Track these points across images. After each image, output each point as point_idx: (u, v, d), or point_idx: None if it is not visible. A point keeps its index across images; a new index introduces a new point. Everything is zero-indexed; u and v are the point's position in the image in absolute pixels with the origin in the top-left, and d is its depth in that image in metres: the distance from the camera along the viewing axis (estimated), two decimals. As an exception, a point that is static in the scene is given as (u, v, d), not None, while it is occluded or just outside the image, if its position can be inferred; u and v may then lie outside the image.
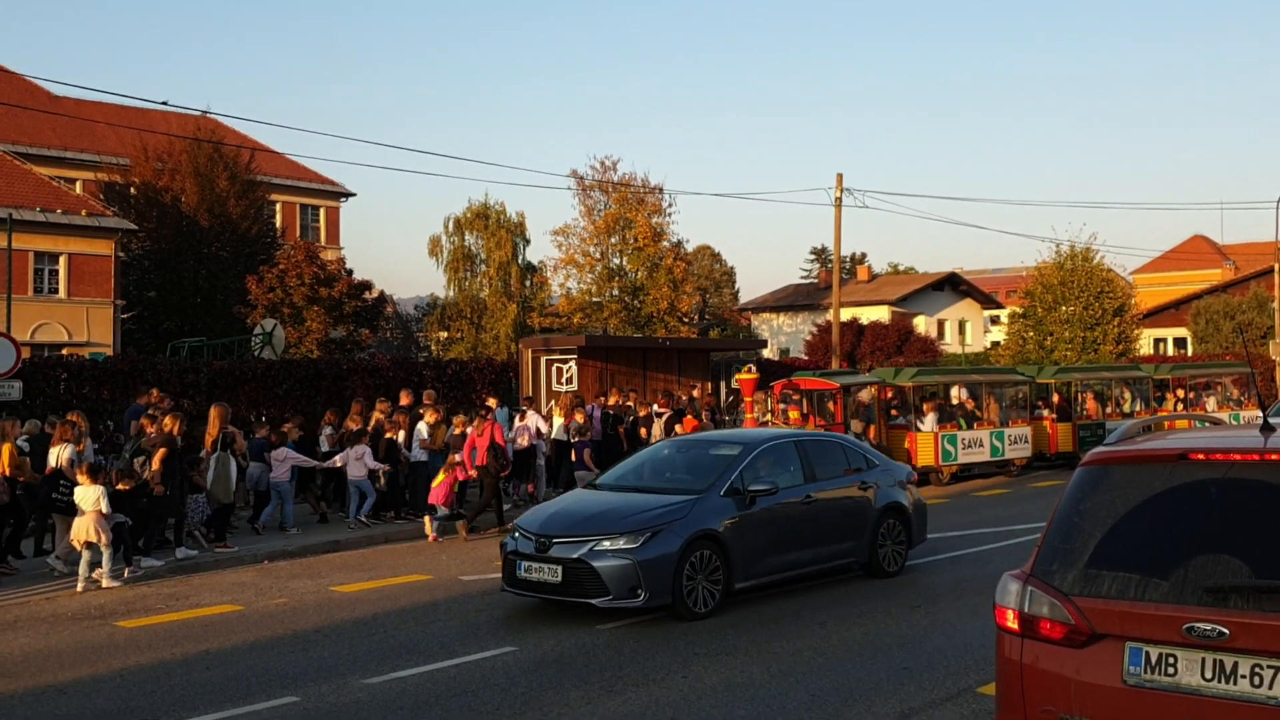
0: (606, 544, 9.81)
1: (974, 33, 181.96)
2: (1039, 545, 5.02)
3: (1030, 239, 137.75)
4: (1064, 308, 41.37)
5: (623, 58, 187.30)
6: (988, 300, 66.68)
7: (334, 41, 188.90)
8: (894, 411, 22.53)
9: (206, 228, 39.33)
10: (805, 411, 20.32)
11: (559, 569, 9.94)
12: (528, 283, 53.25)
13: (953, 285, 64.44)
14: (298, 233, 49.70)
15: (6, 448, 13.24)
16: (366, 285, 34.53)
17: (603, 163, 48.03)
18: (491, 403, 18.80)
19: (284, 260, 33.36)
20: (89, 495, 12.11)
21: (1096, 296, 41.05)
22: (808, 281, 73.32)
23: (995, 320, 66.98)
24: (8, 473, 13.12)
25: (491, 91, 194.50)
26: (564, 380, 22.65)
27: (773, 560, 10.77)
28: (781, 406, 20.64)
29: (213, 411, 14.65)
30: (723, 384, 25.66)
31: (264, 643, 9.61)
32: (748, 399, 19.92)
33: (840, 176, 34.56)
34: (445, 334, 55.13)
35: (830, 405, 20.83)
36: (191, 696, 7.92)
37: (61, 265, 37.00)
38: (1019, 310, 44.41)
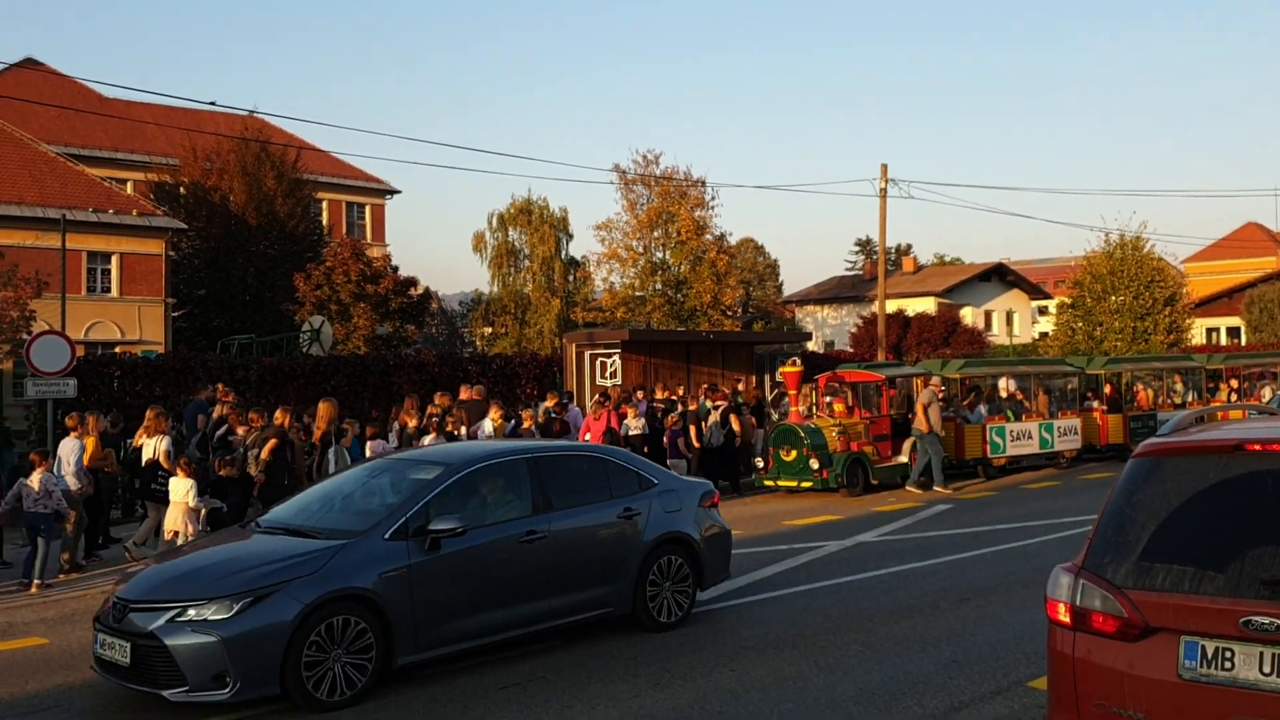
0: (192, 613, 7.32)
1: (1020, 21, 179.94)
2: (1091, 538, 4.96)
3: (1078, 228, 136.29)
4: (1114, 297, 40.81)
5: (666, 51, 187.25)
6: (1035, 291, 65.93)
7: (378, 39, 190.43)
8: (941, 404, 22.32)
9: (254, 226, 39.81)
10: (851, 404, 20.19)
11: (128, 646, 7.47)
12: (571, 277, 53.39)
13: (1000, 276, 63.77)
14: (344, 230, 50.17)
15: (90, 440, 13.67)
16: (412, 282, 34.81)
17: (645, 156, 48.00)
18: (610, 393, 19.57)
19: (331, 258, 33.73)
20: (180, 487, 12.57)
21: (1147, 286, 40.45)
22: (852, 273, 72.77)
23: (1043, 311, 66.17)
24: (92, 465, 13.58)
25: (534, 87, 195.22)
26: (608, 375, 22.69)
27: (468, 622, 8.25)
28: (827, 399, 20.53)
29: (322, 407, 15.17)
30: (767, 377, 25.57)
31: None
32: (792, 392, 19.84)
33: (885, 167, 34.32)
34: (489, 329, 55.42)
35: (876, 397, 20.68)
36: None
37: (114, 265, 37.62)
38: (1067, 300, 43.86)
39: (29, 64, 46.07)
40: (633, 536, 9.31)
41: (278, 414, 14.24)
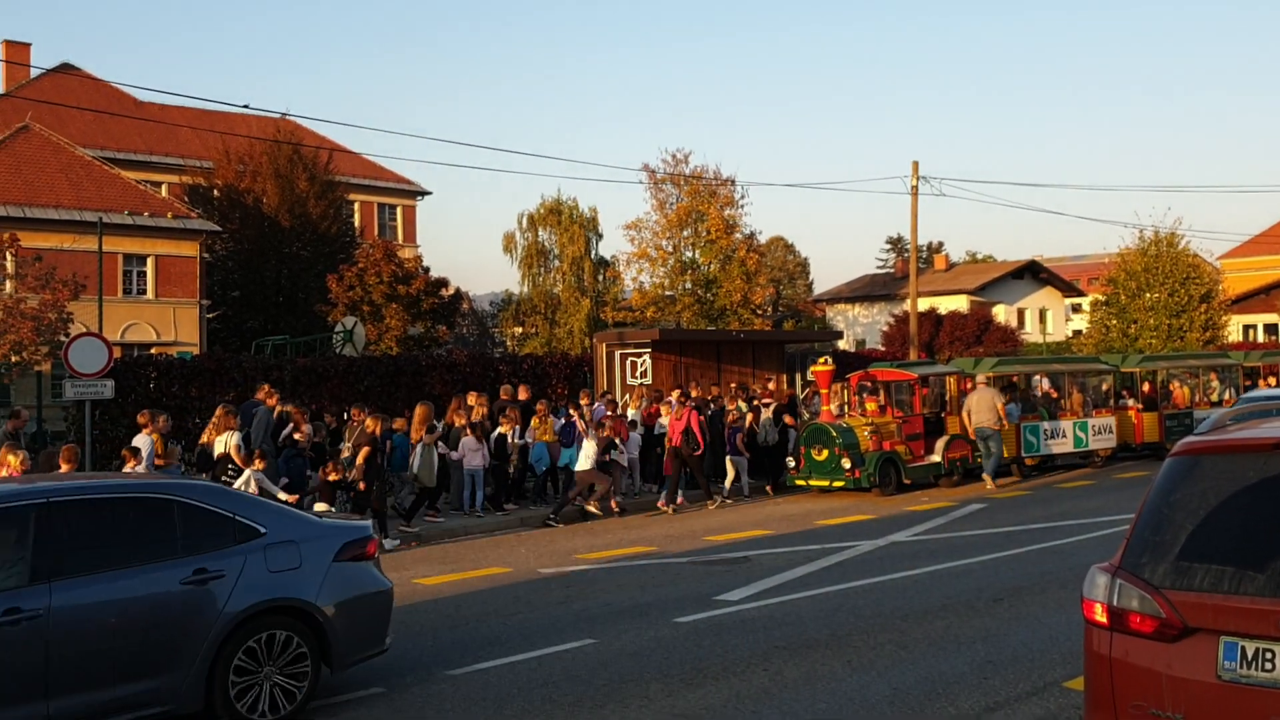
0: None
1: (1051, 15, 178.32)
2: (1128, 537, 4.93)
3: (1112, 224, 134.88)
4: (1148, 294, 40.42)
5: (693, 50, 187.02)
6: (1069, 288, 65.41)
7: (407, 41, 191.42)
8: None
9: (287, 228, 40.14)
10: (883, 403, 20.12)
11: None
12: (601, 277, 53.40)
13: (1032, 273, 63.30)
14: (376, 231, 50.48)
15: (156, 438, 14.15)
16: (443, 282, 34.98)
17: (674, 156, 47.96)
18: (693, 392, 20.24)
19: (363, 259, 33.95)
20: (244, 478, 13.22)
21: (1182, 282, 40.04)
22: (884, 271, 72.42)
23: (1077, 308, 65.61)
24: (160, 463, 14.00)
25: (563, 87, 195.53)
26: (638, 374, 22.72)
27: None
28: (859, 398, 20.46)
29: (419, 410, 16.34)
30: (798, 376, 25.51)
31: (349, 634, 9.77)
32: (824, 391, 19.79)
33: (916, 164, 34.15)
34: (520, 329, 55.55)
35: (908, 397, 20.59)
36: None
37: (149, 267, 38.05)
38: (1101, 298, 43.48)
39: (66, 69, 46.71)
40: (205, 609, 6.99)
41: (368, 422, 15.15)
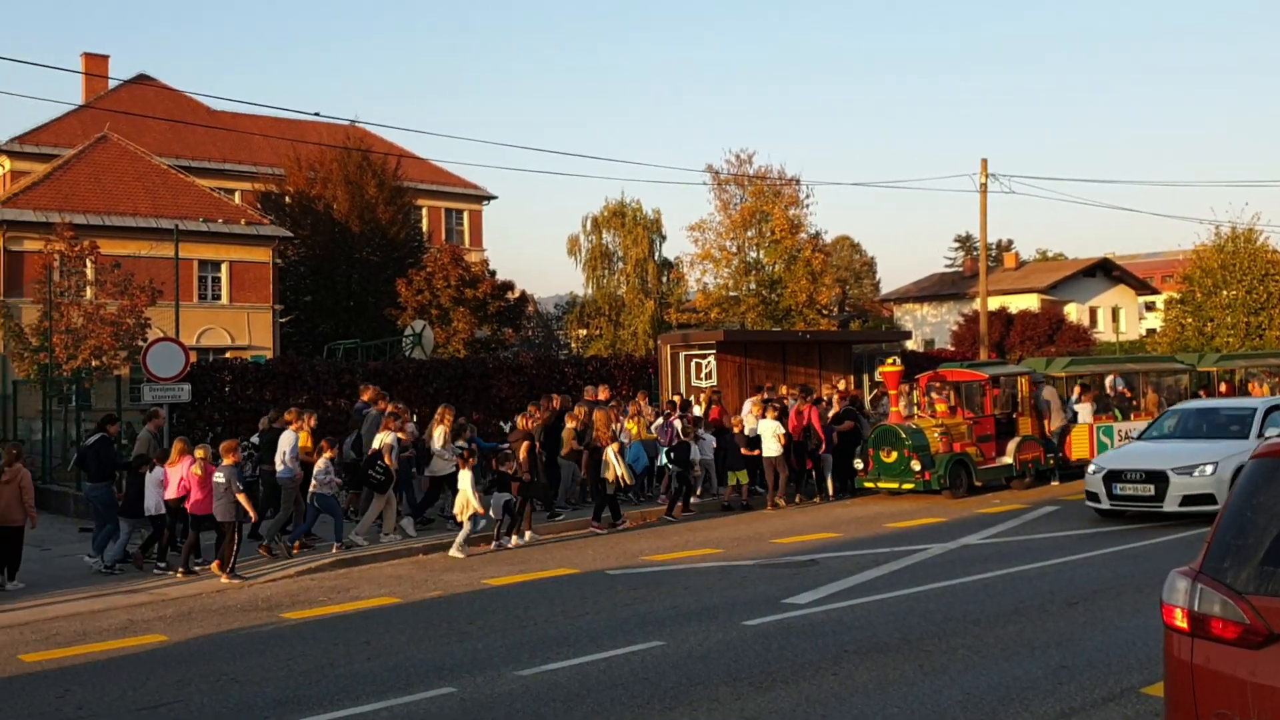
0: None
1: (1121, 6, 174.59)
2: (1208, 541, 4.82)
3: (1186, 221, 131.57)
4: (1225, 292, 39.51)
5: (757, 50, 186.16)
6: (1142, 286, 64.10)
7: (472, 46, 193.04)
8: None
9: (357, 233, 40.74)
10: (953, 404, 19.87)
11: None
12: (664, 279, 53.41)
13: (1105, 271, 62.16)
14: (443, 236, 51.06)
15: (303, 435, 14.86)
16: (509, 285, 35.25)
17: (738, 156, 47.80)
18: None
19: (431, 263, 34.35)
20: (466, 477, 14.58)
21: (1261, 279, 39.07)
22: (952, 270, 71.50)
23: (1150, 307, 64.32)
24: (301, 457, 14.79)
25: (626, 90, 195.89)
26: (703, 375, 22.71)
27: None
28: (929, 399, 20.23)
29: (598, 415, 17.24)
30: (865, 377, 25.30)
31: (421, 634, 9.92)
32: (892, 392, 19.60)
33: (985, 161, 33.75)
34: (584, 331, 55.76)
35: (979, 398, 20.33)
36: (354, 686, 8.22)
37: (224, 272, 38.86)
38: (1176, 296, 42.60)
39: (142, 80, 47.84)
40: None
41: (520, 420, 16.87)
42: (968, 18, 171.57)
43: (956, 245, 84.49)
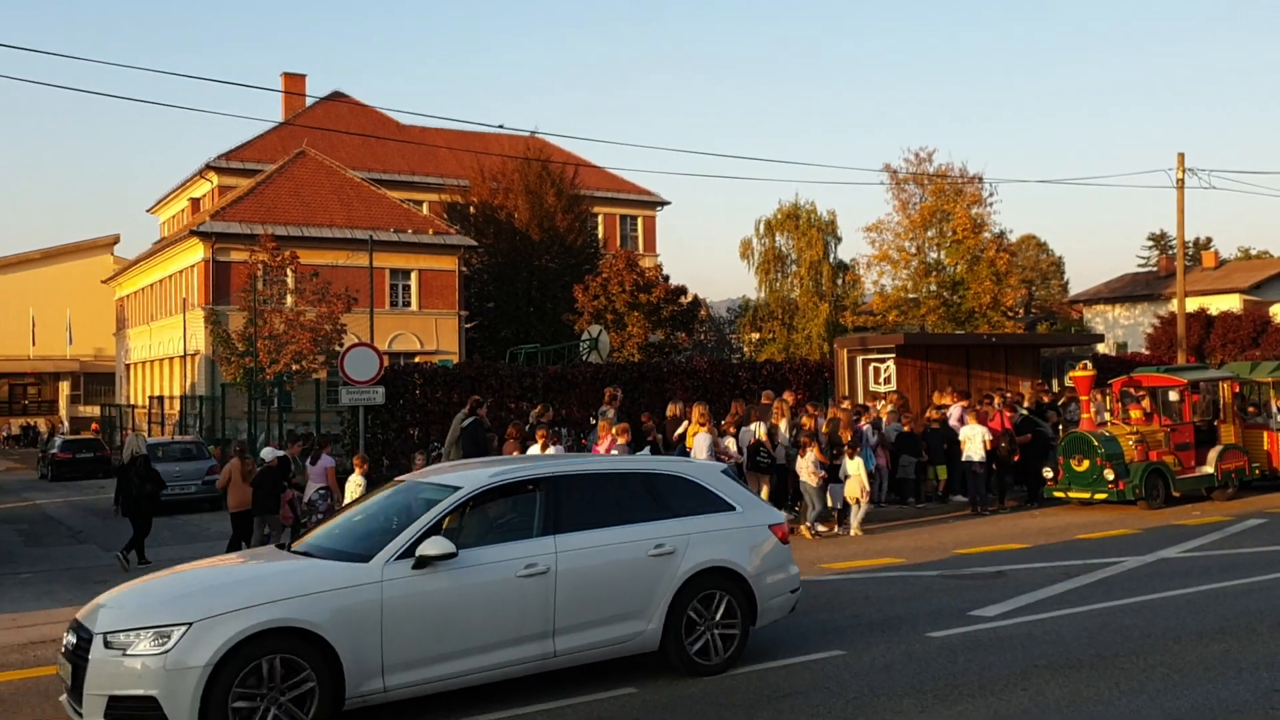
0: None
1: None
2: None
3: None
4: None
5: (935, 46, 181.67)
6: (1359, 284, 59.59)
7: (644, 54, 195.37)
8: (1251, 409, 20.61)
9: (537, 241, 41.84)
10: (1149, 411, 18.93)
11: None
12: (839, 281, 52.73)
13: (1316, 269, 58.06)
14: (618, 242, 51.86)
15: (540, 434, 15.43)
16: (682, 290, 35.52)
17: (917, 155, 46.66)
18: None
19: (606, 269, 34.95)
20: (854, 465, 16.05)
21: None
22: (1146, 270, 68.13)
23: (1370, 306, 59.58)
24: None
25: (800, 90, 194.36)
26: (882, 380, 22.31)
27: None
28: (1122, 405, 19.34)
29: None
30: (1054, 382, 24.38)
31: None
32: (1084, 398, 18.82)
33: (1181, 156, 32.03)
34: (757, 335, 55.58)
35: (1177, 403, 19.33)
36: (533, 684, 8.35)
37: (413, 280, 40.51)
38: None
39: (336, 97, 50.35)
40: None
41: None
42: (1161, 5, 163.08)
43: (1150, 244, 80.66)
